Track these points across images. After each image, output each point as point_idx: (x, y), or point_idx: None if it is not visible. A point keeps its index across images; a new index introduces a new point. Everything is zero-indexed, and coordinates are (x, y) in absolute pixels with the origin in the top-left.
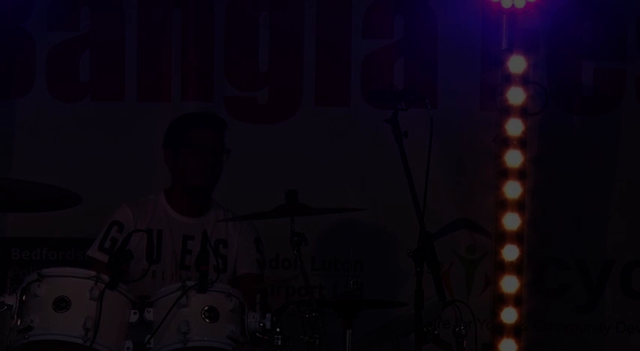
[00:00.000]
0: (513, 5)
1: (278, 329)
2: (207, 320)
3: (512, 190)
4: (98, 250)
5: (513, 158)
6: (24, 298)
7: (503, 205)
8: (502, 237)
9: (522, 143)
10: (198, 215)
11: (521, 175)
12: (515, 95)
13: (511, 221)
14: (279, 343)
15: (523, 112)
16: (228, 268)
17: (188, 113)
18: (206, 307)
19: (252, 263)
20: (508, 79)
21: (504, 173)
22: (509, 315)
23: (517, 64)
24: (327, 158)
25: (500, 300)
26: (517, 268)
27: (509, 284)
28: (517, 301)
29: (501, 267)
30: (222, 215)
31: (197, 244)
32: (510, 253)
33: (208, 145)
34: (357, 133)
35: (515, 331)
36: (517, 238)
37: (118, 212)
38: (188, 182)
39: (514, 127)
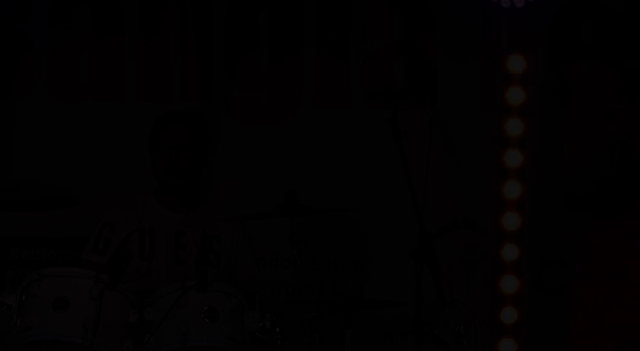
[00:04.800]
0: (513, 5)
1: (277, 329)
2: (207, 320)
3: (512, 189)
4: (93, 251)
5: (513, 158)
6: (23, 297)
7: (502, 204)
8: (502, 237)
9: (522, 143)
10: (187, 211)
11: (520, 174)
12: (515, 95)
13: (511, 221)
14: (279, 343)
15: (523, 111)
16: (222, 263)
17: (166, 112)
18: (206, 307)
19: (252, 267)
20: (508, 79)
21: (504, 173)
22: (508, 315)
23: (517, 64)
24: (327, 158)
25: (500, 300)
26: (517, 267)
27: (509, 284)
28: (517, 301)
29: (501, 267)
30: (211, 211)
31: (190, 239)
32: (510, 252)
33: (174, 143)
34: (357, 133)
35: (515, 331)
36: (517, 237)
37: (107, 214)
38: (160, 181)
39: (514, 126)
